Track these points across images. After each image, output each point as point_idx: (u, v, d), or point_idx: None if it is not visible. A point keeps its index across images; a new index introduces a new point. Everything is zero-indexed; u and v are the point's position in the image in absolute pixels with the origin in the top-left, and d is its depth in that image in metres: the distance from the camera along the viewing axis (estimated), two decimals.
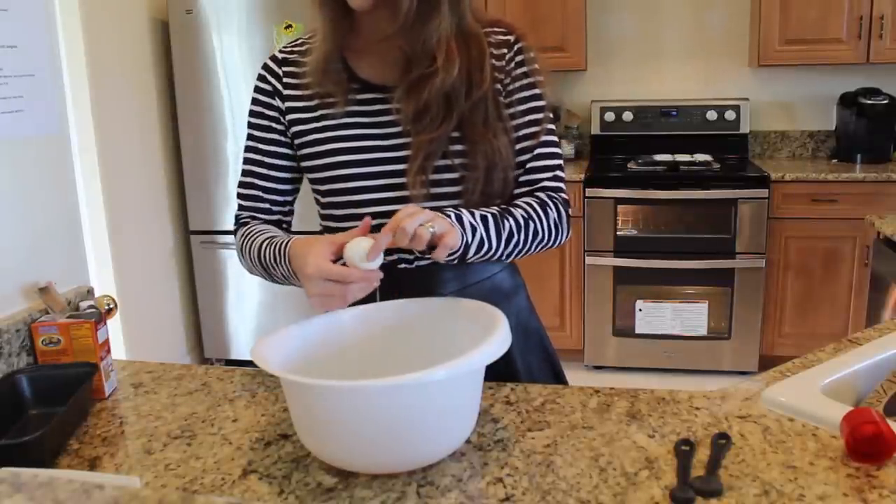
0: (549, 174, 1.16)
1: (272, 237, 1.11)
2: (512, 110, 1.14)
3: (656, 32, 3.71)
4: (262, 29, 3.13)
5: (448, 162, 1.09)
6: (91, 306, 1.20)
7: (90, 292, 1.29)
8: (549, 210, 1.12)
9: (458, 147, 1.09)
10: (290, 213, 1.26)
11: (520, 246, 1.10)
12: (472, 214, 1.04)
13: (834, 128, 3.58)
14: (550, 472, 0.84)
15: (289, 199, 1.24)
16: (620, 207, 3.26)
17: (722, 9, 3.63)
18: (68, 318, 1.12)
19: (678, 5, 3.67)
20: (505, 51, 1.14)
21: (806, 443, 0.88)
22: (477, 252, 1.04)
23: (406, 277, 1.14)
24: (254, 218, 1.21)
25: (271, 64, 1.19)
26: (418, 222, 0.93)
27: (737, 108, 3.59)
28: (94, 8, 2.83)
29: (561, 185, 1.17)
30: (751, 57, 3.54)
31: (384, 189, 1.12)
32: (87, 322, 1.10)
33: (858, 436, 0.82)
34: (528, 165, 1.15)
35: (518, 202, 1.13)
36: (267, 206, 1.21)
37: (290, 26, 3.08)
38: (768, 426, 0.93)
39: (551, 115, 1.17)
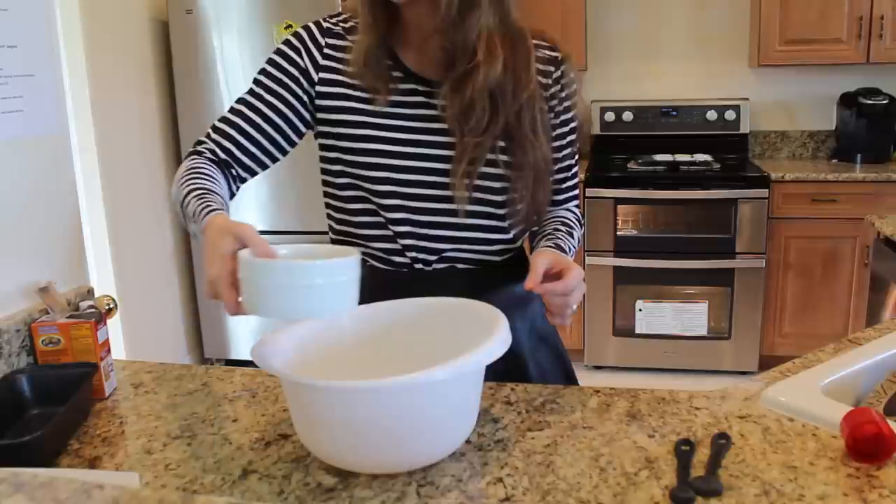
0: (576, 198, 1.26)
1: (207, 192, 1.00)
2: (558, 131, 1.17)
3: (656, 32, 3.71)
4: (262, 29, 3.13)
5: (497, 170, 1.10)
6: (91, 306, 1.20)
7: (90, 292, 1.28)
8: (575, 232, 1.21)
9: (506, 156, 1.09)
10: (243, 179, 1.15)
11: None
12: (571, 246, 1.16)
13: (834, 128, 3.58)
14: (550, 472, 0.84)
15: (255, 165, 1.13)
16: (620, 207, 3.26)
17: (722, 9, 3.63)
18: (68, 318, 1.12)
19: (678, 5, 3.67)
20: (552, 69, 1.14)
21: (806, 443, 0.88)
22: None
23: (421, 281, 1.13)
24: (211, 161, 1.10)
25: (314, 29, 1.13)
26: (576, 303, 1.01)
27: (737, 108, 3.59)
28: (94, 8, 2.83)
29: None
30: (751, 57, 3.54)
31: (414, 185, 1.11)
32: (87, 322, 1.10)
33: (858, 436, 0.82)
34: (565, 185, 1.23)
35: (566, 218, 1.21)
36: (224, 157, 1.11)
37: (290, 26, 3.08)
38: (768, 426, 0.93)
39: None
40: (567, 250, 1.13)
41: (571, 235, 1.18)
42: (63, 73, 1.31)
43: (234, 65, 3.18)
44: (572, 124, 1.19)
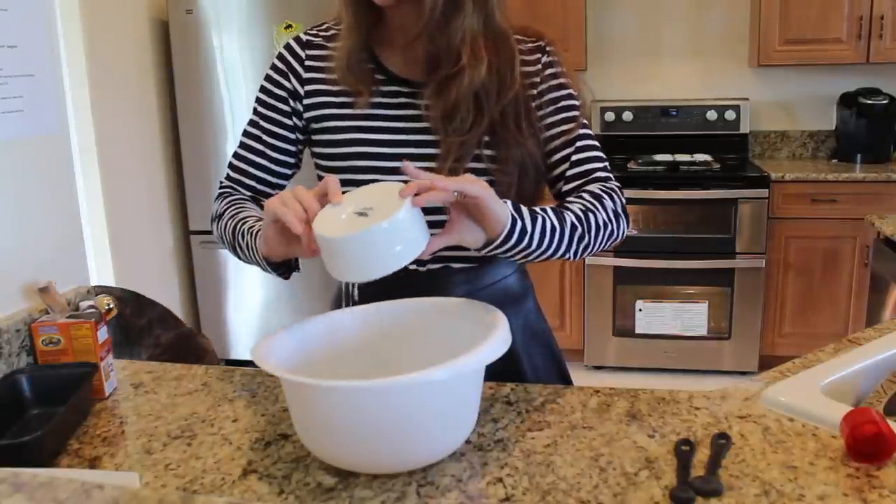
0: (600, 164, 1.14)
1: (254, 220, 1.08)
2: (543, 111, 1.12)
3: (656, 32, 3.71)
4: (262, 29, 3.13)
5: (481, 165, 1.08)
6: (91, 306, 1.20)
7: (90, 292, 1.29)
8: (604, 201, 1.08)
9: (490, 151, 1.08)
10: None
11: (586, 240, 1.04)
12: (532, 210, 1.00)
13: (834, 128, 3.58)
14: (550, 472, 0.84)
15: (279, 182, 1.21)
16: None
17: (722, 9, 3.63)
18: (68, 318, 1.12)
19: (678, 5, 3.67)
20: (539, 55, 1.13)
21: (806, 443, 0.88)
22: (539, 245, 0.99)
23: (416, 281, 1.13)
24: (235, 191, 1.20)
25: (295, 45, 1.17)
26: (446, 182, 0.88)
27: (737, 108, 3.59)
28: (94, 8, 2.83)
29: (611, 175, 1.14)
30: (751, 57, 3.54)
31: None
32: (87, 322, 1.10)
33: (858, 436, 0.82)
34: (574, 158, 1.12)
35: (571, 199, 1.09)
36: (252, 182, 1.19)
37: (290, 26, 3.08)
38: (768, 426, 0.93)
39: (585, 122, 1.14)
40: (518, 207, 0.99)
41: (566, 209, 1.06)
42: (63, 73, 1.31)
43: (234, 65, 3.18)
44: (563, 102, 1.12)
